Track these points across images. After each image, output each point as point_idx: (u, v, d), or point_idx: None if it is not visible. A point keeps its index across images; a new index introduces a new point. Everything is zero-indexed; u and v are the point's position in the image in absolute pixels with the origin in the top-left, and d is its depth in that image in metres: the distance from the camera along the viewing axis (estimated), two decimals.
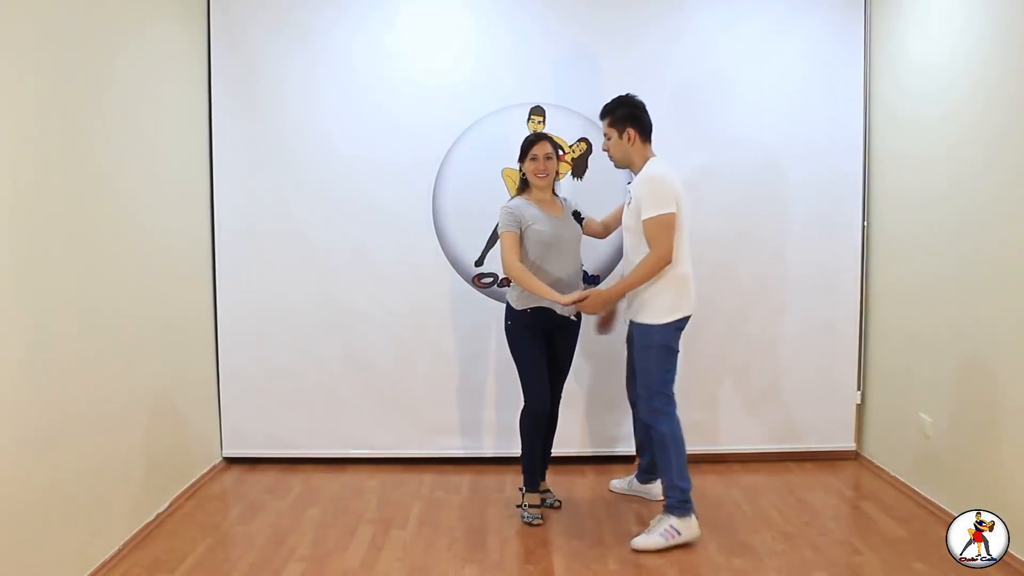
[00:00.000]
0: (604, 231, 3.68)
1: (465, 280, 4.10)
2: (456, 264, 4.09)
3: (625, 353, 3.64)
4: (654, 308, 3.25)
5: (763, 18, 4.04)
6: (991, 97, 3.14)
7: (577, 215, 3.54)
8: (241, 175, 4.05)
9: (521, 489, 3.56)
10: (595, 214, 4.10)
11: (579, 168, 4.07)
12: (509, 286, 3.50)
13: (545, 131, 4.02)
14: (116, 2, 3.17)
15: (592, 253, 4.02)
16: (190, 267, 3.88)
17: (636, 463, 3.83)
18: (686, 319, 3.30)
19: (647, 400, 3.30)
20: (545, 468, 3.66)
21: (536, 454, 3.51)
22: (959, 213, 3.34)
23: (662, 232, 3.16)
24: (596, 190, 4.05)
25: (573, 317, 3.46)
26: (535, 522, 3.44)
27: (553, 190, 3.51)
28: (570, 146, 4.06)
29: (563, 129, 4.05)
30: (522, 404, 3.44)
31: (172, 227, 3.66)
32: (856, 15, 4.04)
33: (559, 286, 3.34)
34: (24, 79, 2.57)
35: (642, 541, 3.21)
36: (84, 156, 2.91)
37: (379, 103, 4.04)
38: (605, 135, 3.37)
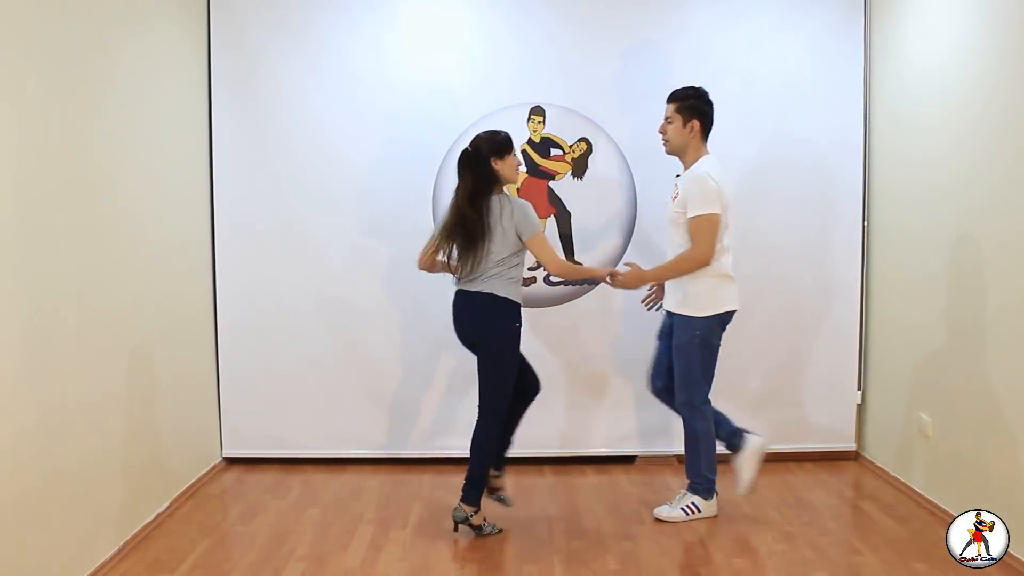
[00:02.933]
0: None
1: None
2: None
3: (655, 344, 3.62)
4: (697, 301, 3.32)
5: (763, 18, 4.04)
6: (991, 97, 3.14)
7: None
8: (241, 174, 4.05)
9: (469, 515, 3.27)
10: (595, 214, 4.12)
11: (579, 168, 4.07)
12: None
13: (545, 131, 4.03)
14: (116, 2, 3.17)
15: (593, 254, 4.02)
16: (190, 267, 3.88)
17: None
18: (730, 314, 3.38)
19: (685, 395, 3.38)
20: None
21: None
22: (959, 213, 3.34)
23: (704, 232, 3.25)
24: (596, 190, 4.05)
25: None
26: (495, 531, 3.32)
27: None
28: (570, 146, 4.06)
29: (563, 129, 4.05)
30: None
31: (172, 226, 3.65)
32: (856, 15, 4.04)
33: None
34: (25, 79, 2.56)
35: (665, 512, 3.42)
36: (84, 155, 2.91)
37: (379, 103, 4.03)
38: (667, 118, 3.37)
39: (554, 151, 4.07)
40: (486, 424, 3.28)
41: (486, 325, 3.25)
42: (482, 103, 4.03)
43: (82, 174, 2.90)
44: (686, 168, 3.38)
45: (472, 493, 3.28)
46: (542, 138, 4.06)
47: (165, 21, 3.61)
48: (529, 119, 4.05)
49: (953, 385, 3.40)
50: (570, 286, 4.10)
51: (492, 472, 3.40)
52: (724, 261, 3.34)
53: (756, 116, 4.05)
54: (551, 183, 4.07)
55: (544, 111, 4.05)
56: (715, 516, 3.44)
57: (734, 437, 3.47)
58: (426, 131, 4.04)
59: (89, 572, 2.90)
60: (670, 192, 3.43)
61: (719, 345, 3.39)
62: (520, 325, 3.29)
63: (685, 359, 3.36)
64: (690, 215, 3.26)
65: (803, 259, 4.11)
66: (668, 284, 3.46)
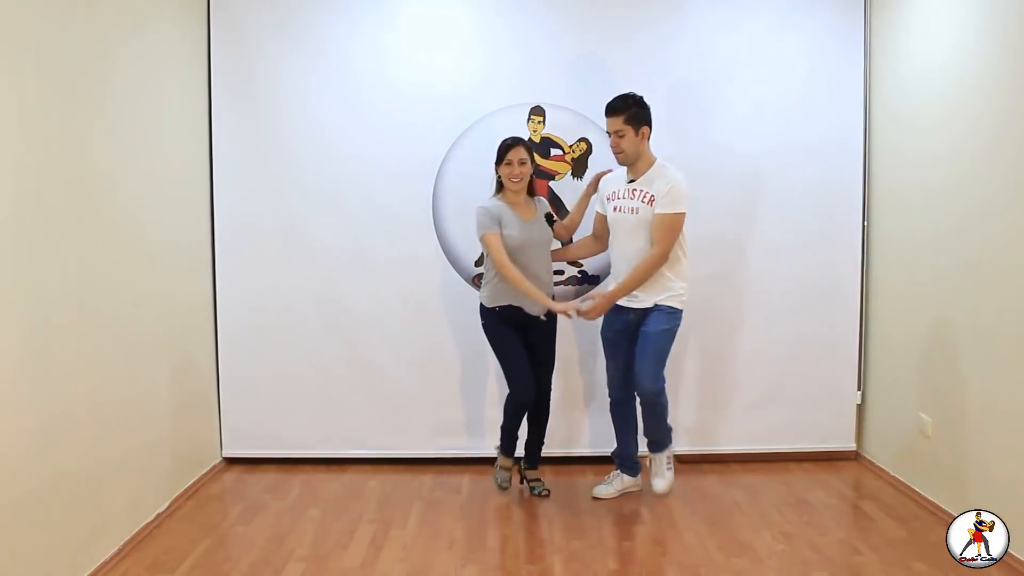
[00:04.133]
0: (566, 233, 3.81)
1: (465, 280, 4.10)
2: (456, 264, 4.09)
3: (611, 352, 3.69)
4: (678, 293, 3.46)
5: (763, 18, 4.04)
6: (991, 98, 3.14)
7: (549, 217, 3.64)
8: (241, 175, 4.05)
9: (497, 448, 3.75)
10: (595, 214, 4.08)
11: (579, 168, 4.07)
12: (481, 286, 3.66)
13: (545, 131, 4.03)
14: (116, 2, 3.17)
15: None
16: (190, 267, 3.88)
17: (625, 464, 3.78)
18: None
19: (654, 379, 3.47)
20: (537, 456, 3.80)
21: (516, 428, 3.67)
22: (959, 214, 3.35)
23: (670, 230, 3.36)
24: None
25: (544, 317, 3.58)
26: (504, 484, 3.73)
27: (529, 191, 3.62)
28: (570, 146, 4.06)
29: (563, 129, 4.05)
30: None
31: (172, 227, 3.65)
32: (856, 15, 4.04)
33: (510, 290, 3.50)
34: (25, 78, 2.57)
35: (663, 485, 3.62)
36: (84, 155, 2.91)
37: (379, 103, 4.03)
38: (617, 132, 3.41)
39: (554, 151, 4.07)
40: (508, 397, 3.64)
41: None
42: (482, 103, 4.03)
43: (82, 175, 2.90)
44: (639, 174, 3.46)
45: (503, 443, 3.73)
46: (542, 138, 4.06)
47: (165, 21, 3.61)
48: (529, 119, 4.05)
49: (953, 385, 3.40)
50: (569, 286, 4.10)
51: (526, 466, 3.79)
52: (689, 261, 3.53)
53: (756, 116, 4.04)
54: (551, 183, 4.08)
55: (544, 111, 4.05)
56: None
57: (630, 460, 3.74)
58: (426, 131, 4.04)
59: (89, 572, 2.90)
60: (621, 201, 3.49)
61: None
62: (486, 322, 3.60)
63: (662, 344, 3.47)
64: (659, 211, 3.34)
65: (803, 259, 4.11)
66: (647, 284, 3.47)
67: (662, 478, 3.62)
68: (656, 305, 3.46)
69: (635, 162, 3.45)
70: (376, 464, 4.14)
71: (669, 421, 3.64)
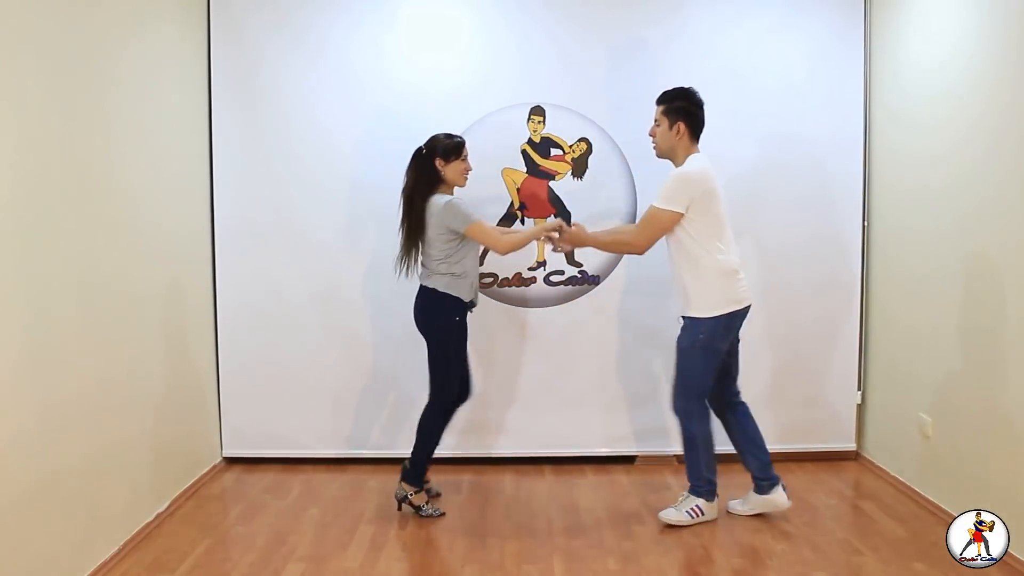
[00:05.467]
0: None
1: None
2: None
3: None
4: (701, 301, 3.26)
5: (763, 18, 4.04)
6: (991, 96, 3.14)
7: None
8: (241, 174, 4.05)
9: (409, 494, 3.50)
10: (595, 214, 4.11)
11: (579, 168, 4.07)
12: (478, 283, 3.56)
13: (545, 131, 4.03)
14: (116, 2, 3.17)
15: (593, 255, 4.03)
16: (190, 267, 3.88)
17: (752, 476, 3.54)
18: (740, 314, 3.30)
19: (682, 400, 3.33)
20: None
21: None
22: (959, 213, 3.35)
23: (650, 224, 3.25)
24: (596, 190, 4.05)
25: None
26: (437, 513, 3.51)
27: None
28: (570, 146, 4.06)
29: (563, 129, 4.05)
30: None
31: (172, 226, 3.65)
32: (856, 15, 4.04)
33: (474, 284, 3.47)
34: (25, 78, 2.56)
35: (672, 516, 3.38)
36: (84, 154, 2.91)
37: (379, 103, 4.04)
38: (656, 120, 3.36)
39: (554, 151, 4.07)
40: (430, 408, 3.49)
41: (427, 318, 3.45)
42: (482, 103, 4.03)
43: (82, 173, 2.90)
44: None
45: (411, 473, 3.50)
46: (542, 138, 4.06)
47: (165, 21, 3.61)
48: (529, 119, 4.05)
49: (953, 385, 3.40)
50: (570, 286, 4.10)
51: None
52: (726, 258, 3.26)
53: (756, 116, 4.04)
54: (551, 183, 4.08)
55: (544, 111, 4.05)
56: (716, 518, 3.43)
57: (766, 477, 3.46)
58: (426, 131, 4.01)
59: (89, 572, 2.90)
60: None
61: (724, 349, 3.33)
62: (460, 318, 3.42)
63: (687, 363, 3.31)
64: (651, 204, 3.25)
65: (803, 259, 4.11)
66: (674, 285, 3.39)
67: (675, 511, 3.39)
68: (681, 317, 3.35)
69: (672, 157, 3.33)
70: (376, 464, 4.14)
71: (707, 474, 3.36)
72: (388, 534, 3.34)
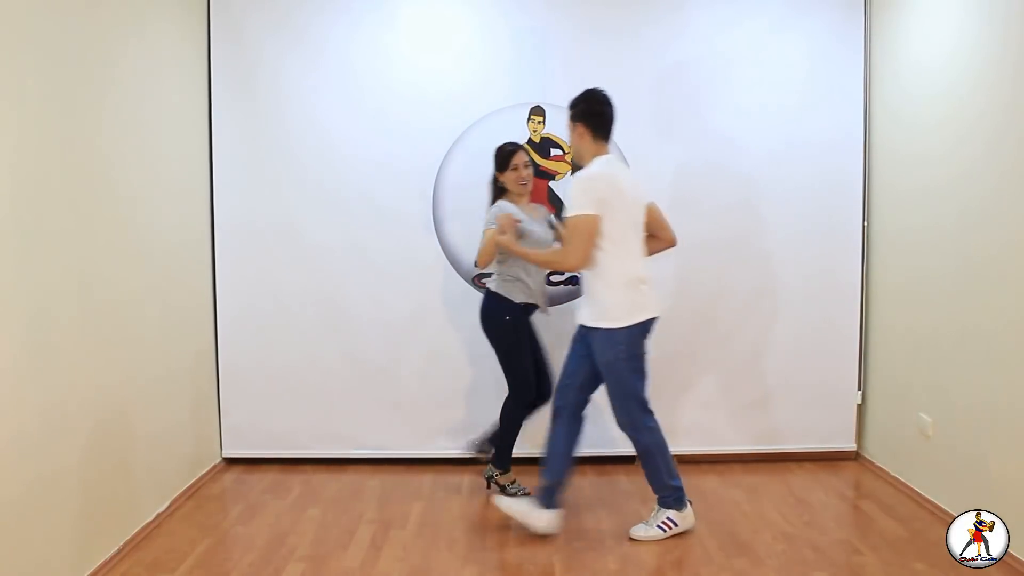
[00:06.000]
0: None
1: (465, 280, 4.10)
2: (456, 264, 4.09)
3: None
4: (615, 311, 3.09)
5: (763, 18, 4.04)
6: (991, 97, 3.14)
7: (551, 225, 3.68)
8: (241, 174, 4.05)
9: (495, 474, 3.71)
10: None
11: (579, 168, 4.06)
12: (488, 282, 3.66)
13: (545, 131, 4.03)
14: (116, 2, 3.17)
15: None
16: (190, 268, 3.88)
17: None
18: (651, 322, 3.17)
19: (623, 414, 3.21)
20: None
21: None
22: (959, 212, 3.34)
23: (573, 235, 3.06)
24: None
25: (546, 311, 3.70)
26: (522, 492, 3.63)
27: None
28: (570, 146, 4.05)
29: (563, 129, 4.03)
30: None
31: (172, 227, 3.65)
32: (856, 15, 4.04)
33: (538, 289, 3.59)
34: (25, 78, 2.56)
35: (641, 532, 3.28)
36: (84, 155, 2.91)
37: (379, 103, 4.04)
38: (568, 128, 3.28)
39: (554, 151, 4.07)
40: (509, 401, 3.65)
41: (482, 318, 3.63)
42: (482, 103, 4.03)
43: (82, 173, 2.90)
44: None
45: (497, 457, 3.69)
46: (542, 138, 4.06)
47: (165, 21, 3.61)
48: (529, 119, 4.05)
49: (953, 385, 3.40)
50: (571, 286, 4.10)
51: (498, 471, 3.73)
52: (632, 265, 3.12)
53: (756, 116, 4.05)
54: (551, 183, 4.08)
55: (544, 111, 4.05)
56: (694, 525, 3.30)
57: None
58: (426, 131, 4.04)
59: (89, 572, 2.90)
60: None
61: (644, 353, 3.17)
62: (511, 319, 3.55)
63: (615, 377, 3.15)
64: (565, 216, 3.15)
65: (803, 259, 4.11)
66: (581, 299, 3.26)
67: (645, 527, 3.27)
68: (587, 327, 3.17)
69: (582, 161, 3.21)
70: (376, 464, 4.14)
71: (669, 481, 3.22)
72: (388, 534, 3.34)
